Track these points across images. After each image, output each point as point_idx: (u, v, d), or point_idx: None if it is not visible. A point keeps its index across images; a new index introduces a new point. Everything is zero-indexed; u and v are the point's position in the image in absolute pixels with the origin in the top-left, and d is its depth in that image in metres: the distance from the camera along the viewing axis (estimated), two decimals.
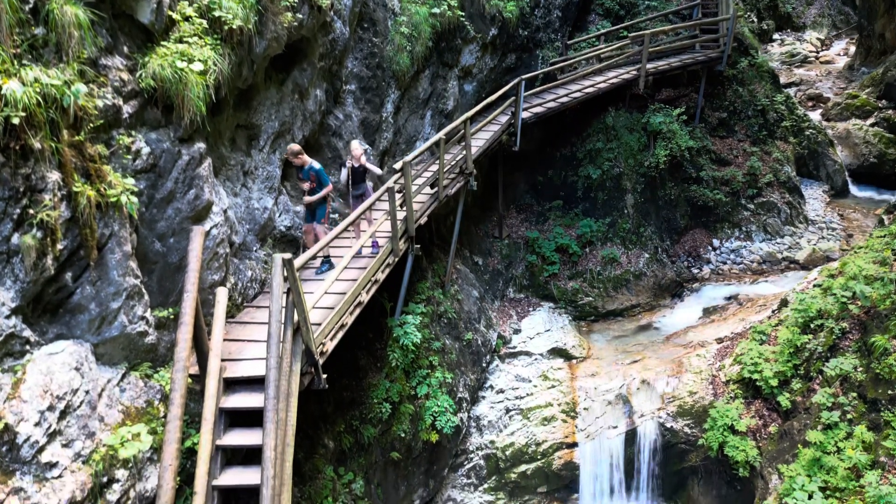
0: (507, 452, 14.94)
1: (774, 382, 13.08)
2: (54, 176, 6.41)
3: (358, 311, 10.21)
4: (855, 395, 11.51)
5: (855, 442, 10.89)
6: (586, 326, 18.60)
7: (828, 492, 10.73)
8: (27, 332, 6.54)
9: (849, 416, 11.38)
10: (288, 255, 7.81)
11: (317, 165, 10.81)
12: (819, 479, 10.87)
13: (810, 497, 10.66)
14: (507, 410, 15.55)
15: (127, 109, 7.47)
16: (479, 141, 16.07)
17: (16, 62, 6.12)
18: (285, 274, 7.85)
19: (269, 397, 7.24)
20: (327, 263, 11.38)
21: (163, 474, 6.71)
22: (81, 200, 6.61)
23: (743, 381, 13.80)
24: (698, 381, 14.77)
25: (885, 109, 26.08)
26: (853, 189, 24.85)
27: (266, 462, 6.97)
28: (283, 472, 7.43)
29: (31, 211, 6.22)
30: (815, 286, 14.27)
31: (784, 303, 15.27)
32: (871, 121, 25.97)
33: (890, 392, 10.97)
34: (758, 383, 13.37)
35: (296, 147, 10.55)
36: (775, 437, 12.73)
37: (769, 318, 15.46)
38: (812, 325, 13.11)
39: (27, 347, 6.55)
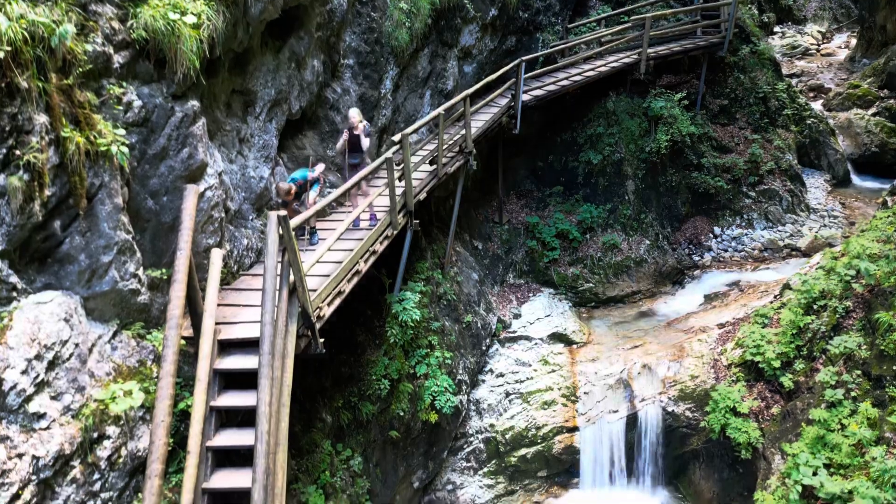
0: (507, 436, 14.75)
1: (777, 364, 12.94)
2: (42, 118, 6.22)
3: (356, 279, 10.04)
4: (859, 372, 11.35)
5: (859, 418, 10.71)
6: (587, 312, 18.43)
7: (832, 468, 10.55)
8: (14, 279, 6.36)
9: (853, 393, 11.21)
10: (283, 213, 7.65)
11: (301, 176, 10.60)
12: (823, 457, 10.68)
13: (815, 473, 10.48)
14: (507, 394, 15.36)
15: (118, 59, 7.29)
16: (479, 122, 15.91)
17: None
18: (281, 232, 7.68)
19: (263, 353, 7.06)
20: (316, 234, 11.20)
21: (155, 430, 6.54)
22: (70, 146, 6.43)
23: (745, 363, 13.65)
24: (700, 365, 14.62)
25: (887, 99, 25.97)
26: (855, 178, 24.73)
27: (261, 417, 6.79)
28: (279, 431, 7.25)
29: (18, 152, 6.03)
30: (818, 268, 14.11)
31: (786, 287, 15.10)
32: (872, 110, 25.85)
33: (895, 368, 10.80)
34: (760, 365, 13.22)
35: (283, 186, 10.18)
36: (778, 417, 12.56)
37: (771, 302, 15.28)
38: (815, 306, 12.94)
39: (14, 294, 6.38)
